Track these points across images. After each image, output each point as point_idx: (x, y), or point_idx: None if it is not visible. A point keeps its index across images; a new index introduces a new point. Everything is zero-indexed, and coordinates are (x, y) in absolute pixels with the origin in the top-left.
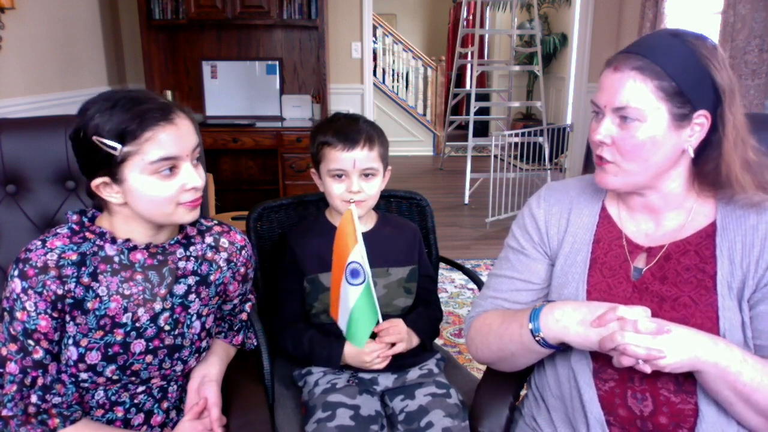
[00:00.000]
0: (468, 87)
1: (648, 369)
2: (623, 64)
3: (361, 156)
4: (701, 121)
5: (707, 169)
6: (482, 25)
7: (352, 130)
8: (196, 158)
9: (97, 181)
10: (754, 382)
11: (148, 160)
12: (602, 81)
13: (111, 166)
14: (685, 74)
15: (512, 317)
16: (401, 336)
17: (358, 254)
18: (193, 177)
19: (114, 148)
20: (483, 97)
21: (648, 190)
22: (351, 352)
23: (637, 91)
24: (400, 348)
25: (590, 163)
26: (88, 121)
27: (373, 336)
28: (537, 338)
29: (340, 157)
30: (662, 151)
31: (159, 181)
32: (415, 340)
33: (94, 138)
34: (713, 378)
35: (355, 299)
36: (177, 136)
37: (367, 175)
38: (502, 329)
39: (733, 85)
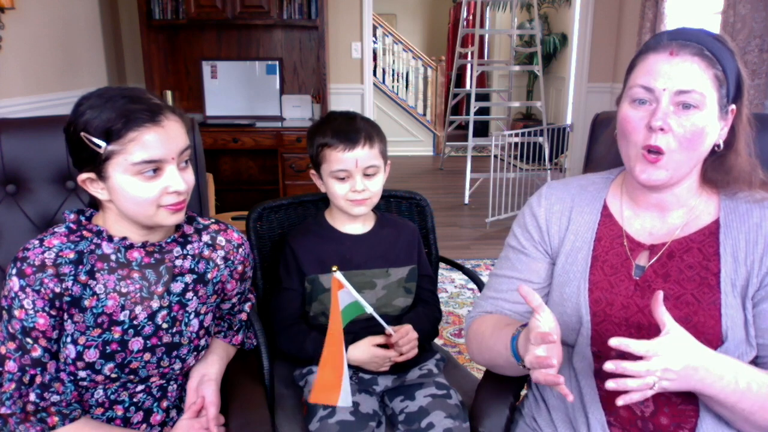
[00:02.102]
0: (468, 87)
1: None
2: (680, 50)
3: (363, 155)
4: (728, 115)
5: (716, 164)
6: (482, 25)
7: (350, 129)
8: (184, 161)
9: (83, 176)
10: (754, 407)
11: (131, 161)
12: (653, 65)
13: (96, 163)
14: (729, 65)
15: (499, 334)
16: (413, 344)
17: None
18: (176, 180)
19: (99, 146)
20: (483, 97)
21: (673, 186)
22: (358, 356)
23: (701, 78)
24: (411, 354)
25: (591, 163)
26: (79, 116)
27: (384, 345)
28: (521, 365)
29: (341, 158)
30: (708, 142)
31: (141, 182)
32: None
33: (81, 134)
34: (712, 403)
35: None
36: (163, 139)
37: (370, 174)
38: (491, 342)
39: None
